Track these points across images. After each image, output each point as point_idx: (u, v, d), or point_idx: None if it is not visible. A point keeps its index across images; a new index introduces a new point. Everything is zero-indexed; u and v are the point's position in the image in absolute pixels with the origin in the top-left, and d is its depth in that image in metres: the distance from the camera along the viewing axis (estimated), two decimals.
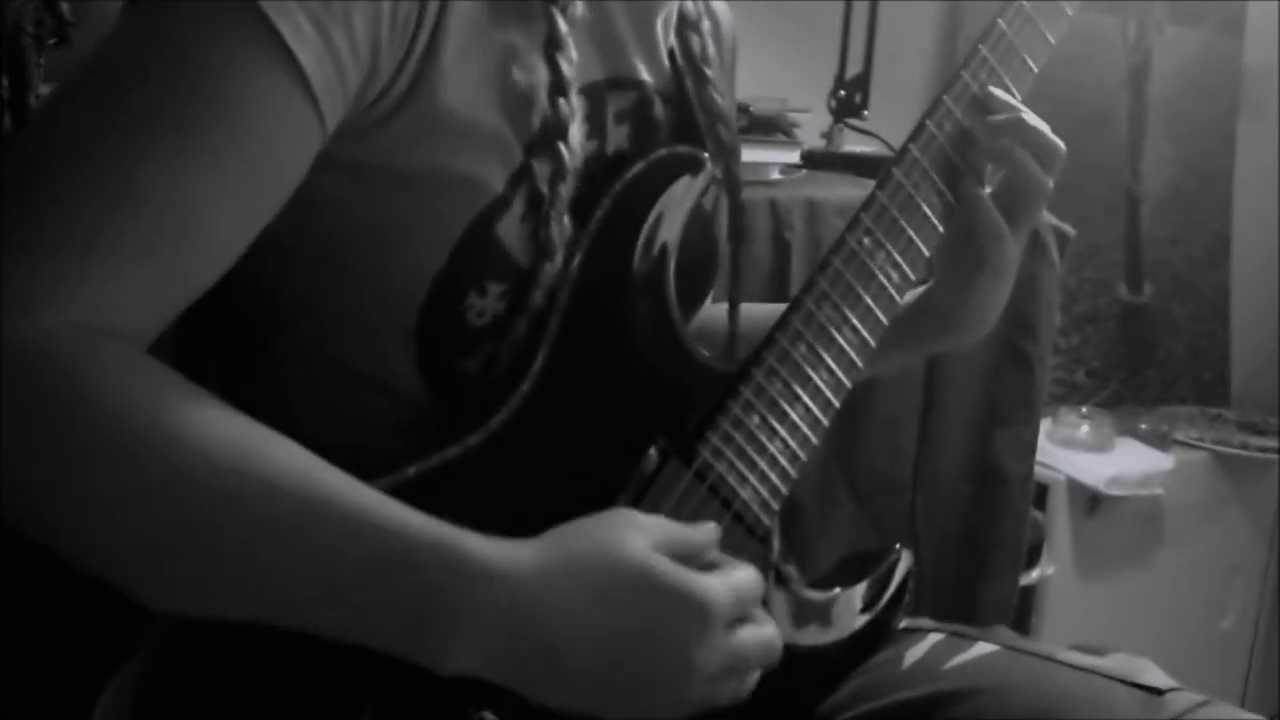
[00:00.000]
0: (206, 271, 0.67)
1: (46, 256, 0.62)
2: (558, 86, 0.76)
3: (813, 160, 1.80)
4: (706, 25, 0.92)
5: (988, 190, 0.89)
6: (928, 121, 0.88)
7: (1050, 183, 0.89)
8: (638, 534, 0.68)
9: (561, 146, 0.76)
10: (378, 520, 0.63)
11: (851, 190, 1.66)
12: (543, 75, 0.76)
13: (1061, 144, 0.89)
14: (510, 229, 0.75)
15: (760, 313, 0.96)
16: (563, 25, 0.76)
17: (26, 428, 0.60)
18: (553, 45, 0.76)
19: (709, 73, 0.90)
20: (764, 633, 0.71)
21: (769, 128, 1.68)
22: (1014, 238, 0.90)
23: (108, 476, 0.61)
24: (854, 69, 1.88)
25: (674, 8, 0.88)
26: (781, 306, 0.84)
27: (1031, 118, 0.88)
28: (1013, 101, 0.90)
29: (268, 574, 0.63)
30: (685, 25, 0.90)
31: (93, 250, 0.63)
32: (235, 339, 0.82)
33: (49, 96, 0.69)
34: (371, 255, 0.74)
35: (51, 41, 1.01)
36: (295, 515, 0.62)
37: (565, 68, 0.76)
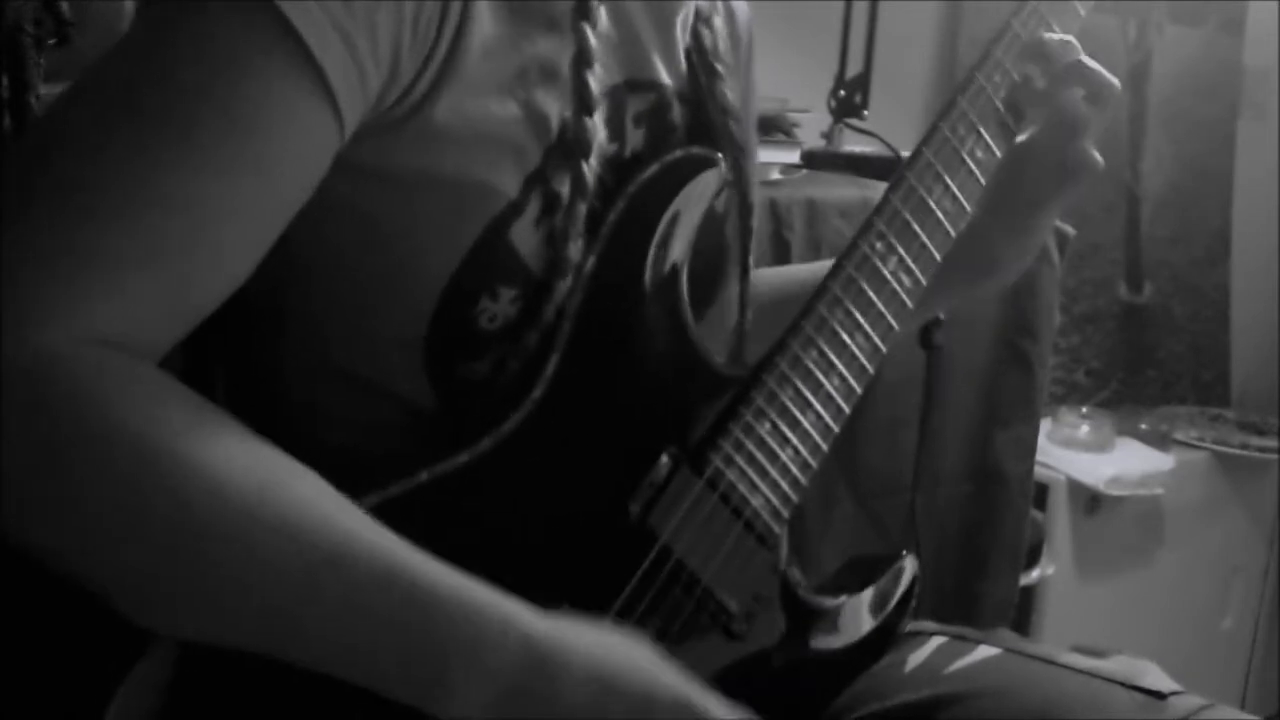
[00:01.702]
0: (219, 282, 0.66)
1: (52, 266, 0.60)
2: (584, 104, 0.75)
3: (813, 160, 1.80)
4: (721, 23, 0.91)
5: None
6: (941, 124, 0.87)
7: (1105, 120, 0.91)
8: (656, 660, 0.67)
9: (584, 165, 0.75)
10: (395, 567, 0.62)
11: (851, 190, 1.66)
12: (566, 83, 0.75)
13: (1116, 82, 0.91)
14: (524, 233, 0.75)
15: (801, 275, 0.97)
16: (593, 41, 0.75)
17: (30, 444, 0.59)
18: (582, 63, 0.75)
19: (722, 71, 0.89)
20: None
21: (769, 128, 1.68)
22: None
23: (111, 499, 0.59)
24: (854, 69, 1.88)
25: (692, 7, 0.87)
26: (822, 264, 0.83)
27: (1087, 60, 0.90)
28: (1069, 40, 0.91)
29: (273, 614, 0.61)
30: (700, 23, 0.89)
31: (101, 260, 0.61)
32: (243, 343, 0.81)
33: (56, 98, 0.67)
34: (383, 260, 0.73)
35: (51, 41, 1.01)
36: (309, 562, 0.61)
37: (593, 84, 0.75)
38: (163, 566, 0.60)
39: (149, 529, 0.60)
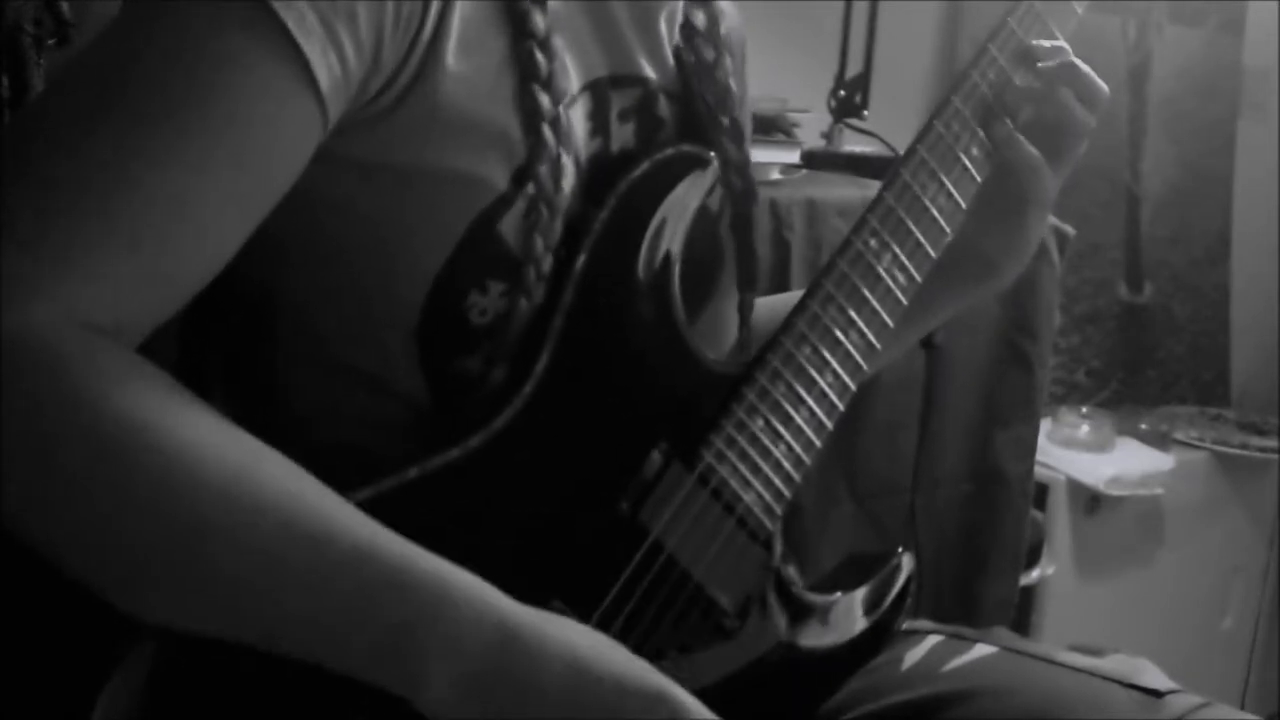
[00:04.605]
0: (200, 266, 0.66)
1: (34, 249, 0.61)
2: (535, 112, 0.74)
3: (813, 160, 1.80)
4: (710, 22, 0.91)
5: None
6: (935, 121, 0.87)
7: (1093, 121, 0.92)
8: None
9: (560, 162, 0.75)
10: (371, 548, 0.63)
11: (851, 190, 1.66)
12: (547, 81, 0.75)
13: (1105, 86, 0.92)
14: (512, 227, 0.75)
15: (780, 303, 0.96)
16: (540, 58, 0.75)
17: (13, 425, 0.59)
18: (529, 77, 0.75)
19: (714, 70, 0.89)
20: None
21: (769, 128, 1.68)
22: (1054, 173, 0.91)
23: (93, 479, 0.60)
24: (854, 69, 1.89)
25: (678, 5, 0.87)
26: (795, 294, 0.83)
27: (1078, 62, 0.91)
28: (1060, 44, 0.92)
29: (252, 597, 0.62)
30: (690, 23, 0.89)
31: (83, 247, 0.61)
32: (237, 339, 0.82)
33: (45, 85, 0.68)
34: (372, 253, 0.74)
35: (51, 41, 1.01)
36: (285, 541, 0.61)
37: (542, 98, 0.74)
38: (143, 547, 0.61)
39: (129, 509, 0.60)
